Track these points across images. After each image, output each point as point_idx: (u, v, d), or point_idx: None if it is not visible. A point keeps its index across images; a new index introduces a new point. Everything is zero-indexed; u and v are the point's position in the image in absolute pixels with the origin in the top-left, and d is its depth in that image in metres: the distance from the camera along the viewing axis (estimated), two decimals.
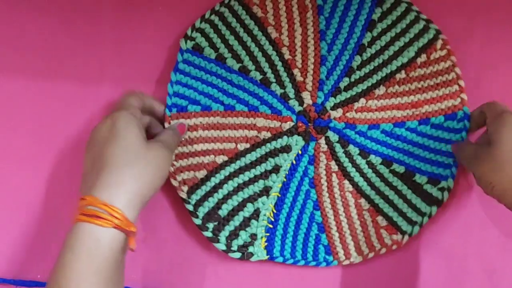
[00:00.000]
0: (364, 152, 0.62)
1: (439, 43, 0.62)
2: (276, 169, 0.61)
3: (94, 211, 0.46)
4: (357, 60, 0.62)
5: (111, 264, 0.46)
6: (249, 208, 0.61)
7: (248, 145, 0.61)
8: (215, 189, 0.61)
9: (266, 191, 0.61)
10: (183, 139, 0.61)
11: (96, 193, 0.47)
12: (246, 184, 0.61)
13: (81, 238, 0.46)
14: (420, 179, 0.61)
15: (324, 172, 0.62)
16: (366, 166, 0.62)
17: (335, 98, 0.62)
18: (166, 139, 0.55)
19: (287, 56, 0.62)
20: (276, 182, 0.61)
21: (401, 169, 0.62)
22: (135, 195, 0.48)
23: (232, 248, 0.60)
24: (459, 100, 0.62)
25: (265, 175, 0.61)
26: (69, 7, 0.63)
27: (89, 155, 0.52)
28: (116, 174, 0.48)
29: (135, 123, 0.52)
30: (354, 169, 0.62)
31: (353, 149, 0.62)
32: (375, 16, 0.63)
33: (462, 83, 0.62)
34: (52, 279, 0.46)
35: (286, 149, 0.61)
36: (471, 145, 0.58)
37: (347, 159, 0.62)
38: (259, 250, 0.61)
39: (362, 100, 0.62)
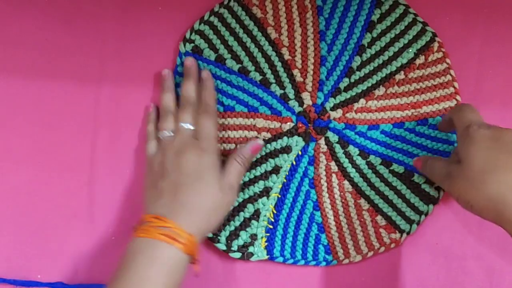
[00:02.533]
0: (364, 153, 0.62)
1: (435, 46, 0.63)
2: (276, 169, 0.61)
3: (174, 234, 0.52)
4: (357, 60, 0.62)
5: (177, 283, 0.53)
6: (249, 209, 0.61)
7: None
8: None
9: (266, 191, 0.61)
10: None
11: (176, 219, 0.53)
12: (246, 184, 0.61)
13: (159, 256, 0.51)
14: (418, 178, 0.62)
15: (324, 173, 0.62)
16: (366, 167, 0.62)
17: (335, 98, 0.62)
18: (238, 180, 0.59)
19: (286, 56, 0.62)
20: (276, 183, 0.61)
21: (400, 169, 0.62)
22: (204, 231, 0.55)
23: (232, 248, 0.60)
24: (454, 101, 0.62)
25: (265, 175, 0.61)
26: (69, 7, 0.63)
27: (169, 176, 0.55)
28: (196, 214, 0.54)
29: (218, 168, 0.57)
30: (354, 170, 0.62)
31: (353, 150, 0.62)
32: (374, 17, 0.63)
33: (456, 85, 0.62)
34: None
35: (286, 149, 0.62)
36: (440, 162, 0.57)
37: (347, 160, 0.62)
38: (259, 250, 0.61)
39: (362, 101, 0.62)
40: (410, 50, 0.63)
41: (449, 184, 0.53)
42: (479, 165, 0.50)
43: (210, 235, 0.60)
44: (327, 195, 0.62)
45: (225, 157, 0.61)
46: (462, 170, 0.51)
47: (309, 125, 0.62)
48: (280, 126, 0.62)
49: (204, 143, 0.57)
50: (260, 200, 0.61)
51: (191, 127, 0.58)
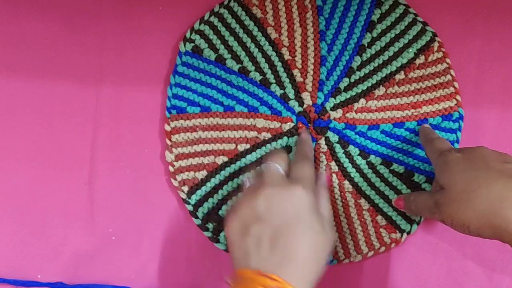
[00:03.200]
0: (364, 153, 0.62)
1: (435, 45, 0.63)
2: None
3: None
4: (357, 60, 0.63)
5: None
6: None
7: (248, 146, 0.62)
8: (215, 189, 0.61)
9: None
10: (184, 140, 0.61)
11: (283, 275, 0.46)
12: None
13: None
14: (418, 178, 0.62)
15: (324, 173, 0.62)
16: (366, 167, 0.62)
17: (335, 98, 0.62)
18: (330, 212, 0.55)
19: (287, 56, 0.63)
20: None
21: (400, 169, 0.62)
22: (312, 283, 0.48)
23: None
24: (454, 101, 0.62)
25: None
26: (69, 7, 0.63)
27: (266, 223, 0.48)
28: (304, 265, 0.47)
29: (317, 212, 0.51)
30: (354, 170, 0.62)
31: (353, 150, 0.62)
32: (374, 17, 0.63)
33: (456, 84, 0.62)
34: None
35: (286, 149, 0.62)
36: (423, 195, 0.56)
37: (347, 160, 0.62)
38: None
39: (362, 101, 0.62)
40: (410, 50, 0.63)
41: (439, 212, 0.52)
42: (462, 186, 0.50)
43: (210, 235, 0.60)
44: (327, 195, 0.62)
45: (224, 156, 0.61)
46: (448, 195, 0.51)
47: (309, 125, 0.62)
48: (280, 126, 0.62)
49: (309, 196, 0.50)
50: None
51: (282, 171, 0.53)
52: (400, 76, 0.63)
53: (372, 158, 0.62)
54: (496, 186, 0.48)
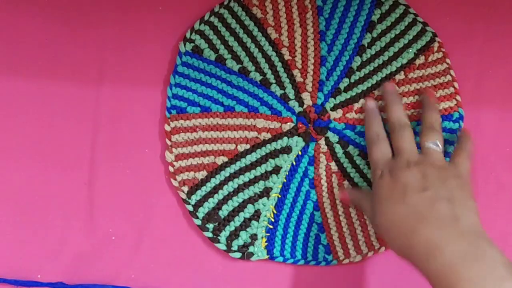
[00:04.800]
0: (364, 153, 0.62)
1: (435, 46, 0.63)
2: (276, 170, 0.61)
3: None
4: (357, 60, 0.63)
5: None
6: (250, 209, 0.61)
7: (248, 146, 0.62)
8: (215, 190, 0.61)
9: (266, 192, 0.61)
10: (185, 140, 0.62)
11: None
12: (246, 185, 0.61)
13: None
14: None
15: (324, 173, 0.62)
16: (366, 167, 0.62)
17: (335, 98, 0.62)
18: None
19: (287, 57, 0.62)
20: (276, 183, 0.61)
21: None
22: None
23: (233, 248, 0.61)
24: (454, 102, 0.62)
25: (265, 176, 0.61)
26: (69, 7, 0.63)
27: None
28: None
29: None
30: (354, 170, 0.62)
31: (353, 150, 0.62)
32: (374, 18, 0.63)
33: (456, 85, 0.62)
34: None
35: (286, 150, 0.62)
36: (367, 200, 0.57)
37: (347, 160, 0.62)
38: (259, 250, 0.61)
39: (362, 101, 0.62)
40: (410, 50, 0.63)
41: (374, 225, 0.58)
42: (381, 218, 0.53)
43: (210, 235, 0.60)
44: (327, 195, 0.62)
45: (224, 157, 0.61)
46: (375, 223, 0.55)
47: (309, 125, 0.62)
48: (280, 126, 0.62)
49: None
50: (260, 201, 0.61)
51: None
52: (400, 76, 0.62)
53: None
54: (408, 223, 0.50)
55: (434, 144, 0.56)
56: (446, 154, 0.62)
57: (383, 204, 0.53)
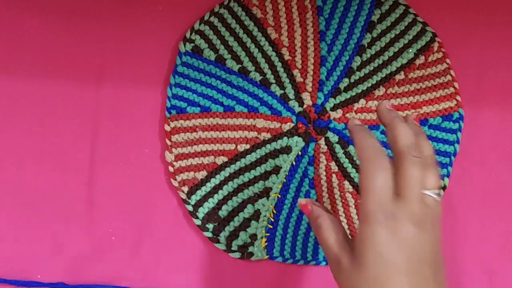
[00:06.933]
0: None
1: (435, 46, 0.63)
2: (276, 170, 0.61)
3: None
4: (357, 60, 0.63)
5: None
6: (249, 209, 0.61)
7: (248, 146, 0.62)
8: (215, 190, 0.61)
9: (266, 192, 0.61)
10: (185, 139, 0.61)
11: None
12: (246, 185, 0.61)
13: None
14: None
15: (324, 173, 0.62)
16: None
17: (335, 99, 0.62)
18: None
19: (287, 57, 0.63)
20: (276, 183, 0.61)
21: None
22: None
23: (232, 248, 0.61)
24: (454, 102, 0.62)
25: (265, 176, 0.62)
26: (69, 7, 0.63)
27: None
28: None
29: None
30: (354, 170, 0.62)
31: (353, 150, 0.62)
32: (374, 18, 0.63)
33: (456, 85, 0.62)
34: None
35: (286, 150, 0.62)
36: (341, 233, 0.46)
37: (347, 160, 0.62)
38: (259, 250, 0.61)
39: (362, 101, 0.62)
40: (410, 50, 0.63)
41: (336, 274, 0.45)
42: (374, 277, 0.42)
43: (210, 235, 0.60)
44: (327, 195, 0.62)
45: (224, 157, 0.61)
46: (356, 270, 0.43)
47: (309, 125, 0.62)
48: (280, 126, 0.62)
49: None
50: (260, 201, 0.61)
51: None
52: (400, 76, 0.63)
53: None
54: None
55: (437, 195, 0.45)
56: (445, 154, 0.62)
57: (378, 261, 0.42)
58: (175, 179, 0.61)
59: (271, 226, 0.61)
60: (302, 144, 0.62)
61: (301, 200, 0.50)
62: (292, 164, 0.62)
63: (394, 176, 0.44)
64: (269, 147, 0.62)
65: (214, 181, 0.61)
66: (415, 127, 0.47)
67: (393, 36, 0.63)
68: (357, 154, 0.45)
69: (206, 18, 0.63)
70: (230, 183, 0.61)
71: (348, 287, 0.44)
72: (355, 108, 0.62)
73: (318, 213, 0.49)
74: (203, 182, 0.61)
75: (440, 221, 0.46)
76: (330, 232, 0.47)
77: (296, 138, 0.62)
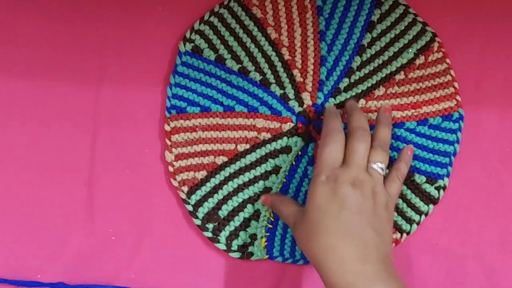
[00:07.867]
0: None
1: (435, 46, 0.63)
2: (276, 170, 0.61)
3: None
4: (357, 60, 0.63)
5: None
6: (249, 209, 0.61)
7: (248, 146, 0.62)
8: (215, 189, 0.61)
9: (266, 192, 0.61)
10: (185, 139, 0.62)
11: None
12: (246, 185, 0.61)
13: None
14: (419, 178, 0.61)
15: None
16: None
17: (335, 98, 0.62)
18: None
19: (286, 56, 0.63)
20: (276, 183, 0.61)
21: None
22: None
23: (232, 248, 0.61)
24: (454, 102, 0.62)
25: (265, 176, 0.61)
26: (69, 7, 0.63)
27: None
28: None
29: None
30: None
31: None
32: (374, 18, 0.63)
33: (456, 85, 0.62)
34: None
35: (286, 150, 0.62)
36: (293, 205, 0.57)
37: None
38: (259, 249, 0.61)
39: (362, 101, 0.62)
40: (410, 50, 0.63)
41: (294, 229, 0.55)
42: (316, 214, 0.52)
43: (210, 235, 0.60)
44: None
45: (224, 157, 0.61)
46: (303, 222, 0.54)
47: (309, 125, 0.62)
48: (280, 126, 0.62)
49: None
50: (260, 201, 0.61)
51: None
52: (400, 76, 0.63)
53: None
54: (334, 236, 0.51)
55: (379, 167, 0.55)
56: (445, 154, 0.62)
57: (316, 210, 0.53)
58: (175, 179, 0.61)
59: (271, 226, 0.61)
60: (302, 144, 0.62)
61: (262, 197, 0.60)
62: (292, 164, 0.62)
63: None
64: (269, 147, 0.62)
65: (214, 181, 0.61)
66: (382, 116, 0.59)
67: (393, 36, 0.63)
68: (322, 131, 0.58)
69: (206, 18, 0.63)
70: (230, 183, 0.61)
71: (298, 234, 0.54)
72: None
73: (272, 197, 0.59)
74: (203, 182, 0.61)
75: (385, 195, 0.54)
76: (284, 206, 0.57)
77: (296, 138, 0.62)
